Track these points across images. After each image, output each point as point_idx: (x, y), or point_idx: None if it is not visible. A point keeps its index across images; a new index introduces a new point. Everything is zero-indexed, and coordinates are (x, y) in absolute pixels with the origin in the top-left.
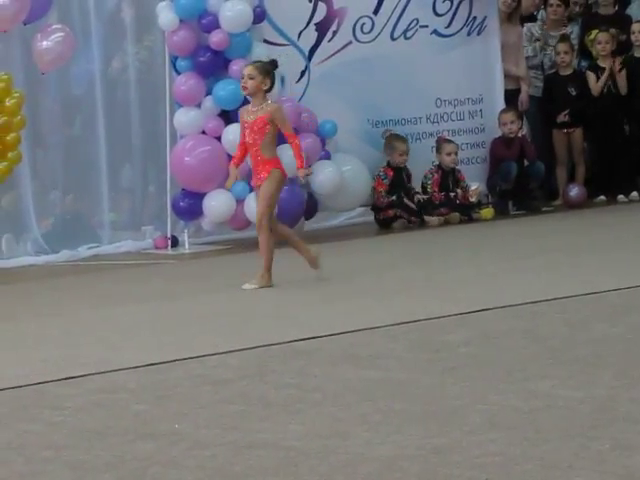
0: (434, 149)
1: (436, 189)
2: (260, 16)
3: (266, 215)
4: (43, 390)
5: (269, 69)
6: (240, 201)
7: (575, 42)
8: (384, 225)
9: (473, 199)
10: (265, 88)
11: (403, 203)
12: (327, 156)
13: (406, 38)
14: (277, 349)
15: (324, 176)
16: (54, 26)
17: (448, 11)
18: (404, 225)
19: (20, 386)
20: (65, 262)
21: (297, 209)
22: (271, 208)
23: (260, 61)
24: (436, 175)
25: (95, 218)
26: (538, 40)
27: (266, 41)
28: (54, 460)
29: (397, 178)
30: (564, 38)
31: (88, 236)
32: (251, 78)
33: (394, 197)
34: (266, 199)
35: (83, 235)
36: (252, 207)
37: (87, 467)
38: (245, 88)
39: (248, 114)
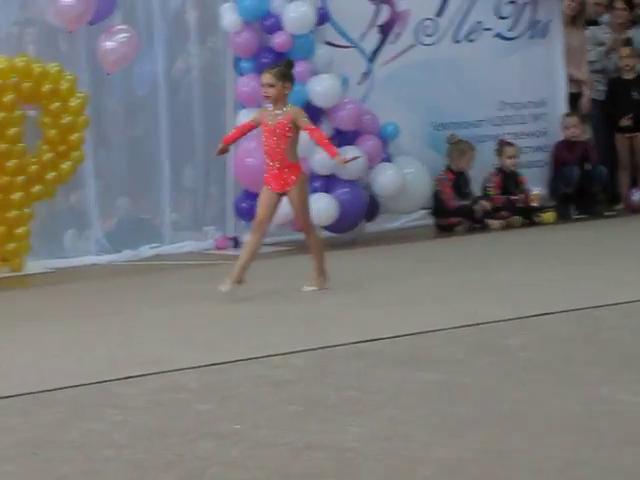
0: (496, 152)
1: (497, 192)
2: (323, 18)
3: (310, 219)
4: (105, 389)
5: (286, 72)
6: None
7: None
8: (445, 230)
9: (534, 204)
10: (287, 92)
11: (471, 211)
12: (389, 158)
13: (469, 41)
14: (338, 350)
15: (385, 178)
16: (118, 27)
17: (512, 14)
18: (465, 229)
19: (82, 385)
20: (127, 262)
21: (359, 211)
22: (309, 210)
23: (276, 65)
24: (497, 178)
25: (157, 218)
26: (602, 44)
27: (329, 43)
28: (115, 459)
29: (458, 182)
30: (627, 42)
31: (150, 236)
32: (271, 86)
33: (462, 202)
34: (305, 204)
35: (145, 235)
36: (317, 209)
37: (147, 466)
38: (268, 97)
39: (268, 117)
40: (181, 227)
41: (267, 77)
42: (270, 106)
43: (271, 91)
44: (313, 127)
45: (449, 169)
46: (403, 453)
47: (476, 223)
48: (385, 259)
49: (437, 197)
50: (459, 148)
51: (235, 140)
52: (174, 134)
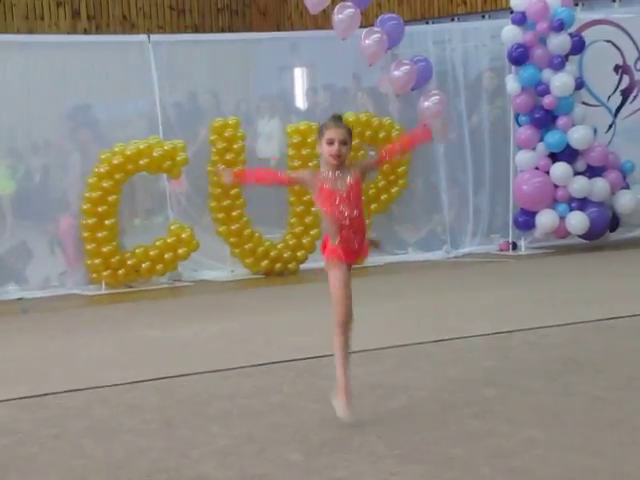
0: None
1: None
2: (580, 84)
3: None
4: (421, 349)
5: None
6: (562, 218)
7: None
8: None
9: None
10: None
11: None
12: (627, 186)
13: None
14: None
15: (624, 200)
16: (433, 91)
17: None
18: None
19: (404, 344)
20: (439, 259)
21: (604, 224)
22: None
23: (342, 120)
24: None
25: (459, 228)
26: None
27: (584, 102)
28: None
29: None
30: None
31: (453, 241)
32: (345, 144)
33: None
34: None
35: (450, 241)
36: (573, 223)
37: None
38: (339, 156)
39: (334, 183)
40: (476, 234)
41: (344, 134)
42: (327, 172)
43: (344, 150)
44: (381, 152)
45: None
46: None
47: None
48: (625, 261)
49: None
50: None
51: (250, 179)
52: (473, 168)
